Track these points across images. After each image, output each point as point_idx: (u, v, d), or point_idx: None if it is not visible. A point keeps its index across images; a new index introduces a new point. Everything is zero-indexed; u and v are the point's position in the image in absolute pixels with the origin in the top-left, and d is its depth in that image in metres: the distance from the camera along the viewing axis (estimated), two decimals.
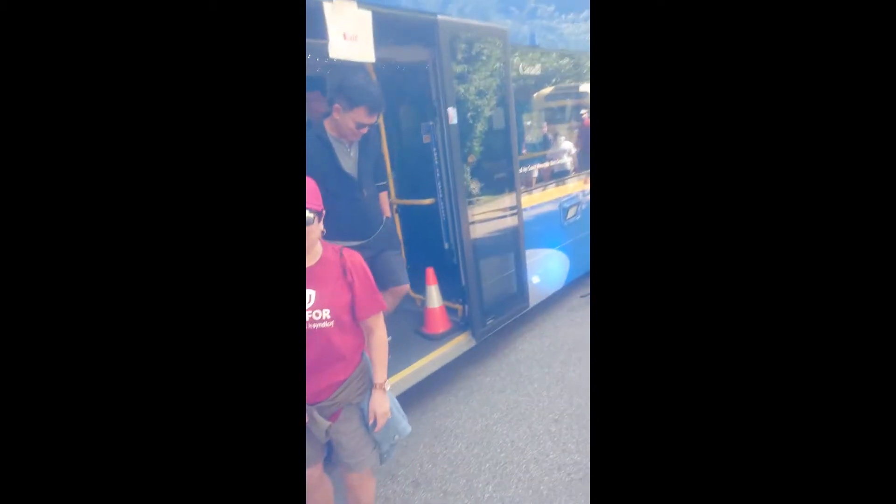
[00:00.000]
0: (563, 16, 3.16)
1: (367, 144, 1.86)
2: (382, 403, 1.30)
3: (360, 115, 1.66)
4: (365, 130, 1.74)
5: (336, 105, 1.68)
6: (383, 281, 2.04)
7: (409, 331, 2.62)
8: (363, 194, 1.85)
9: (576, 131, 3.52)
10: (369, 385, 1.32)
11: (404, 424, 1.40)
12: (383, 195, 2.10)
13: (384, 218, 2.06)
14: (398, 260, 2.12)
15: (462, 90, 2.33)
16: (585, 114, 3.56)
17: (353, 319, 1.27)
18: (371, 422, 1.29)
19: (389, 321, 1.81)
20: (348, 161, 1.80)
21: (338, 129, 1.75)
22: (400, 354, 2.35)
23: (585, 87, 3.60)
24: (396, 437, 1.38)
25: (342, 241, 1.72)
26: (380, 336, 1.33)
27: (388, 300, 2.08)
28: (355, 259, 1.29)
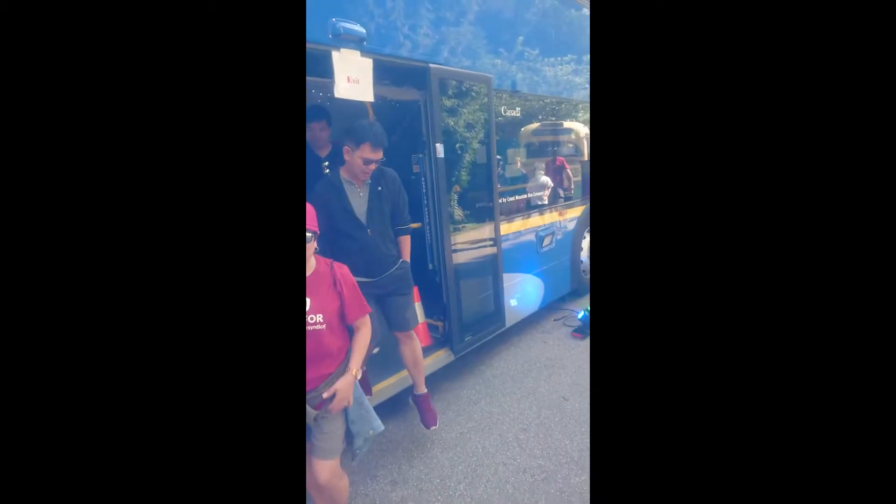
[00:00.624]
0: (546, 59, 3.51)
1: (380, 188, 2.01)
2: (346, 386, 1.43)
3: (366, 152, 1.86)
4: (373, 167, 1.91)
5: (346, 147, 1.90)
6: (391, 322, 2.15)
7: (393, 344, 2.81)
8: (368, 234, 1.98)
9: (551, 168, 3.84)
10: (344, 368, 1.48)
11: (378, 423, 1.57)
12: (405, 238, 2.16)
13: (401, 261, 2.13)
14: (407, 304, 2.18)
15: (451, 123, 2.62)
16: (567, 148, 3.91)
17: (340, 322, 1.48)
18: (329, 395, 1.40)
19: (379, 337, 2.00)
20: (358, 202, 1.97)
21: (350, 171, 1.94)
22: (383, 366, 2.53)
23: (566, 125, 3.96)
24: (371, 431, 1.55)
25: (355, 276, 1.84)
26: (364, 334, 1.53)
27: (402, 340, 2.20)
28: (344, 271, 1.51)
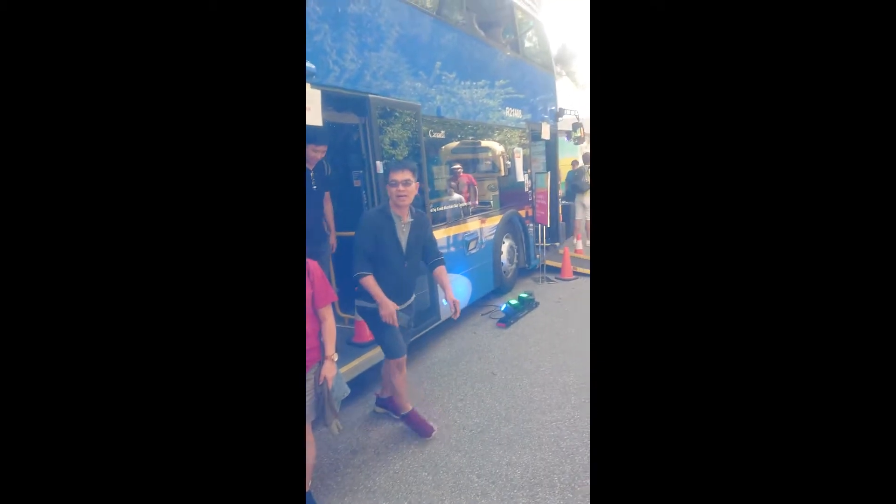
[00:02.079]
0: (462, 82, 4.05)
1: (418, 227, 2.32)
2: (331, 369, 1.84)
3: (391, 176, 2.19)
4: (400, 188, 2.16)
5: (387, 186, 2.24)
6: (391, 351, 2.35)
7: (342, 342, 3.11)
8: (405, 265, 2.28)
9: (460, 184, 4.26)
10: (323, 357, 1.85)
11: (346, 386, 1.95)
12: (441, 269, 2.42)
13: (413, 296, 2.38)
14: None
15: (387, 143, 3.04)
16: (460, 168, 4.27)
17: (312, 308, 1.83)
18: (321, 382, 1.81)
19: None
20: (402, 235, 2.27)
21: (394, 204, 2.22)
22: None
23: (483, 144, 4.54)
24: (345, 393, 1.91)
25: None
26: (330, 322, 1.89)
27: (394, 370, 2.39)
28: (313, 266, 1.86)
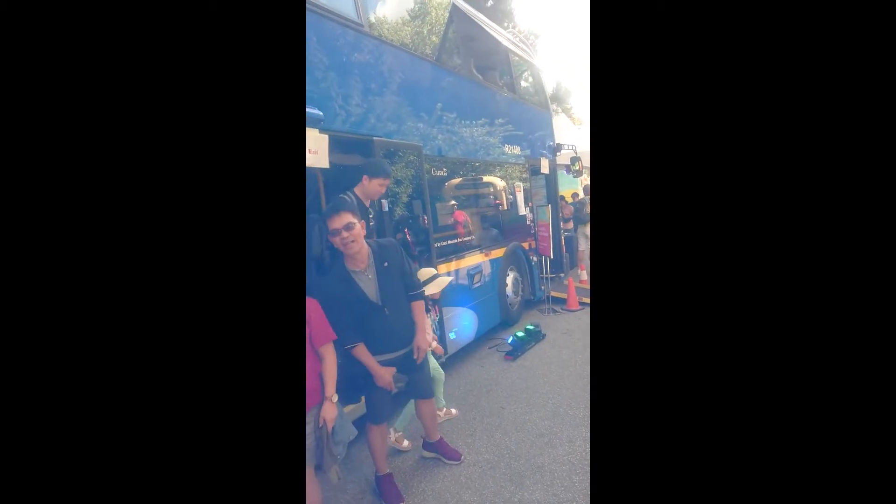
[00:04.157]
0: (463, 121, 4.21)
1: (386, 264, 2.05)
2: (331, 411, 1.78)
3: (329, 226, 1.97)
4: (345, 234, 1.91)
5: (329, 238, 2.00)
6: (416, 392, 2.31)
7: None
8: (385, 312, 2.04)
9: (452, 220, 4.20)
10: (323, 397, 1.80)
11: (353, 429, 1.91)
12: (417, 304, 2.17)
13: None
14: (427, 375, 2.39)
15: (392, 182, 3.14)
16: (454, 204, 4.22)
17: (312, 349, 1.79)
18: (321, 424, 1.75)
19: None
20: (368, 285, 2.02)
21: (347, 259, 1.99)
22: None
23: (485, 179, 4.66)
24: (349, 437, 1.88)
25: (377, 355, 2.03)
26: (330, 361, 1.83)
27: (425, 403, 2.38)
28: (313, 304, 1.83)
